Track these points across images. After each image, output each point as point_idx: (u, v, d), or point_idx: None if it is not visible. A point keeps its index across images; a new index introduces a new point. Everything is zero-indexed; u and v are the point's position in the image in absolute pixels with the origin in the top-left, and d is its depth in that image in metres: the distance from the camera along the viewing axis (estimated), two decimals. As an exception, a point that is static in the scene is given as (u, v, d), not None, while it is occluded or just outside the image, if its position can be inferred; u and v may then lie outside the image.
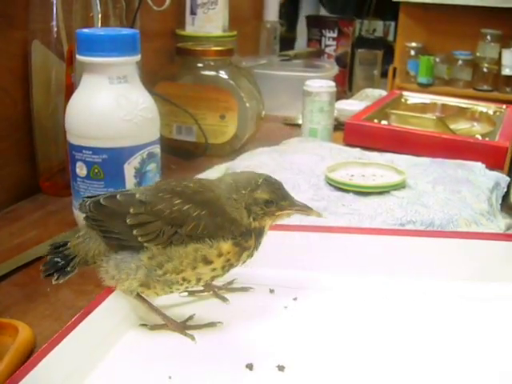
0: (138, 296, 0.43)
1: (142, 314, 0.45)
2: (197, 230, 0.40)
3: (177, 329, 0.43)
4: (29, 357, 0.40)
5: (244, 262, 0.43)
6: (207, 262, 0.41)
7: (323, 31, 1.51)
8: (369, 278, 0.50)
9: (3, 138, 0.68)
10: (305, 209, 0.44)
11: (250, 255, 0.43)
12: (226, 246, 0.41)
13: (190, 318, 0.45)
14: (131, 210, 0.41)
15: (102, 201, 0.42)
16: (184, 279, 0.42)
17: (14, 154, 0.70)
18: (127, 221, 0.41)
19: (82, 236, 0.43)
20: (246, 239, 0.42)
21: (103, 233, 0.42)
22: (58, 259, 0.43)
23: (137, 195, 0.42)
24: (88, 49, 0.54)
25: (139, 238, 0.41)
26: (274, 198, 0.43)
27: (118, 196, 0.42)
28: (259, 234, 0.43)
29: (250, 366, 0.39)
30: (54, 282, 0.42)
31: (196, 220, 0.40)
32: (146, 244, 0.41)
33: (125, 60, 0.54)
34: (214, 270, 0.42)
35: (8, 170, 0.69)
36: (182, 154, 0.87)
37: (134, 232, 0.41)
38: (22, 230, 0.62)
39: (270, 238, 0.45)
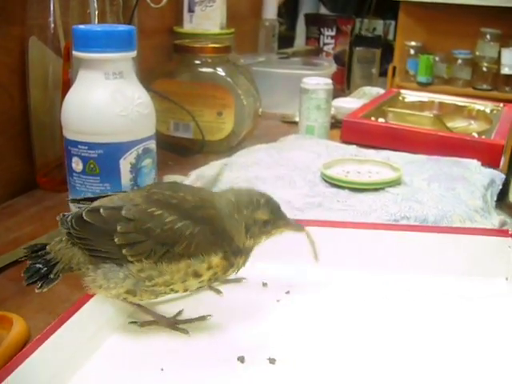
0: (125, 299, 0.42)
1: (132, 310, 0.45)
2: (189, 248, 0.40)
3: (167, 325, 0.43)
4: (23, 349, 0.40)
5: (228, 275, 0.44)
6: (197, 275, 0.41)
7: (322, 29, 1.51)
8: (361, 271, 0.50)
9: (0, 133, 0.68)
10: (298, 228, 0.46)
11: (236, 271, 0.44)
12: (216, 259, 0.41)
13: (179, 313, 0.45)
14: (118, 228, 0.39)
15: (84, 216, 0.40)
16: (172, 290, 0.41)
17: (11, 150, 0.70)
18: (115, 240, 0.39)
19: (64, 241, 0.42)
20: (236, 256, 0.42)
21: (89, 251, 0.40)
22: (40, 265, 0.41)
23: (123, 211, 0.40)
24: (84, 45, 0.54)
25: (129, 258, 0.40)
26: (272, 219, 0.44)
27: (101, 210, 0.40)
28: (249, 252, 0.44)
29: (241, 359, 0.39)
30: (37, 291, 0.40)
31: (189, 239, 0.40)
32: (136, 263, 0.40)
33: (120, 56, 0.55)
34: (201, 282, 0.42)
35: (5, 166, 0.69)
36: (179, 150, 0.87)
37: (123, 251, 0.39)
38: (19, 225, 0.63)
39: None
